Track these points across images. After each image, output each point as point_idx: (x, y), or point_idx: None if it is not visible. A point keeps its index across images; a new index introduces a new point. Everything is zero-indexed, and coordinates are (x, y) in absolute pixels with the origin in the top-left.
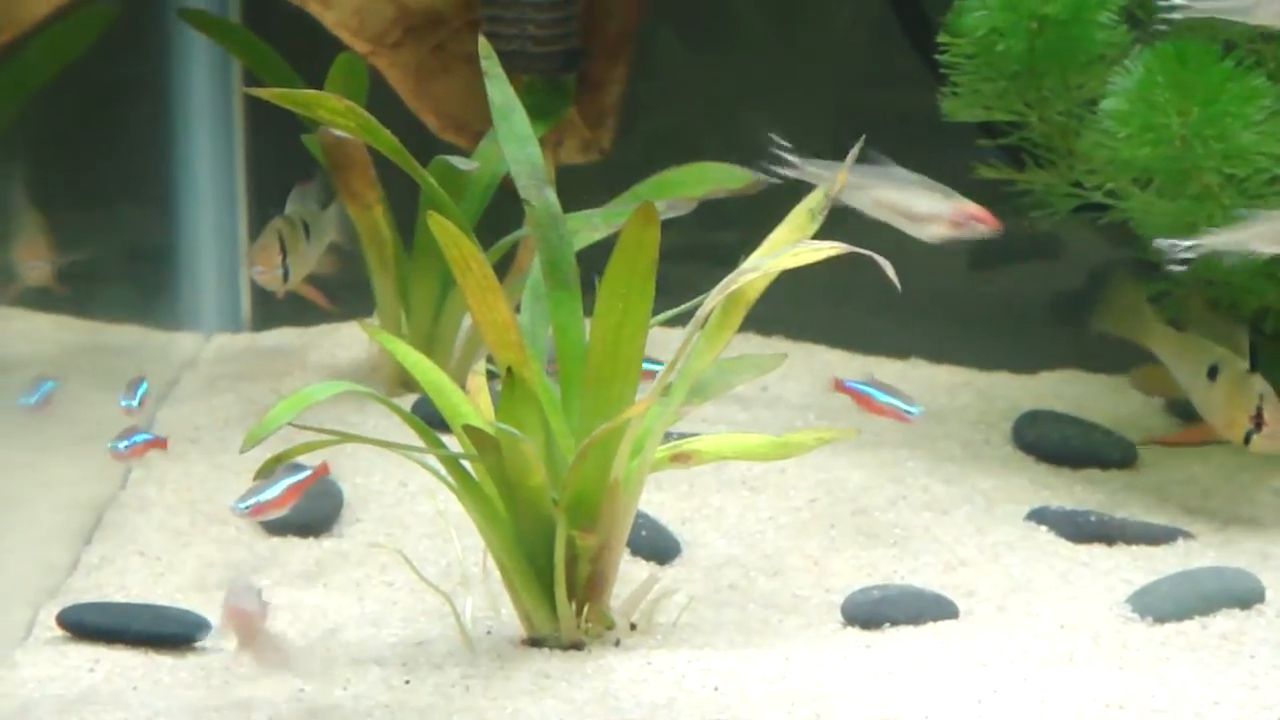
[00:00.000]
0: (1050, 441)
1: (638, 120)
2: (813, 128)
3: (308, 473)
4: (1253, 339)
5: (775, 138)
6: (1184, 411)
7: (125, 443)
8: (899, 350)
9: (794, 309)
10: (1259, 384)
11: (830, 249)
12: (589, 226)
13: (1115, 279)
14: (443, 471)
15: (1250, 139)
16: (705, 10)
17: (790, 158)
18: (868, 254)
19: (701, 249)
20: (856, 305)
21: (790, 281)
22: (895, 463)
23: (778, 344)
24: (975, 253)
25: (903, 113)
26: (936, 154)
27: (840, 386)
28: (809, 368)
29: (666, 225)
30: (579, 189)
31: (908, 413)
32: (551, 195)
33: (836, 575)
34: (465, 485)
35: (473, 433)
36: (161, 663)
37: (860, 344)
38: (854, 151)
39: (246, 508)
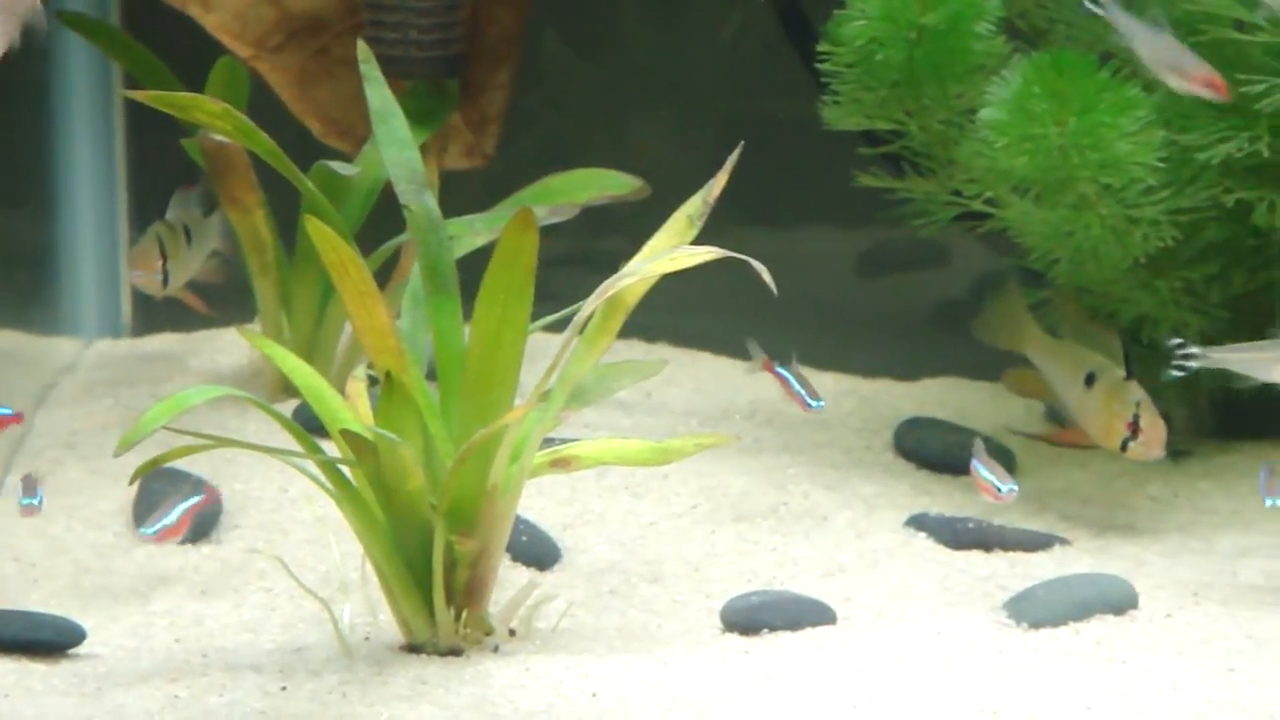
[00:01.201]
0: (931, 448)
1: (524, 126)
2: (698, 136)
3: (200, 497)
4: (1128, 347)
5: None
6: (1065, 418)
7: None
8: (784, 357)
9: (679, 316)
10: (1135, 392)
11: (707, 254)
12: (471, 232)
13: (994, 288)
14: (321, 477)
15: (1126, 149)
16: (593, 17)
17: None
18: (745, 259)
19: (588, 255)
20: (741, 313)
21: (676, 289)
22: (777, 469)
23: (662, 351)
24: (860, 261)
25: (788, 121)
26: (822, 162)
27: (768, 367)
28: (692, 375)
29: (553, 231)
30: (464, 194)
31: (809, 404)
32: (431, 200)
33: (717, 581)
34: (343, 491)
35: (350, 438)
36: (34, 670)
37: (745, 351)
38: (732, 157)
39: (154, 533)
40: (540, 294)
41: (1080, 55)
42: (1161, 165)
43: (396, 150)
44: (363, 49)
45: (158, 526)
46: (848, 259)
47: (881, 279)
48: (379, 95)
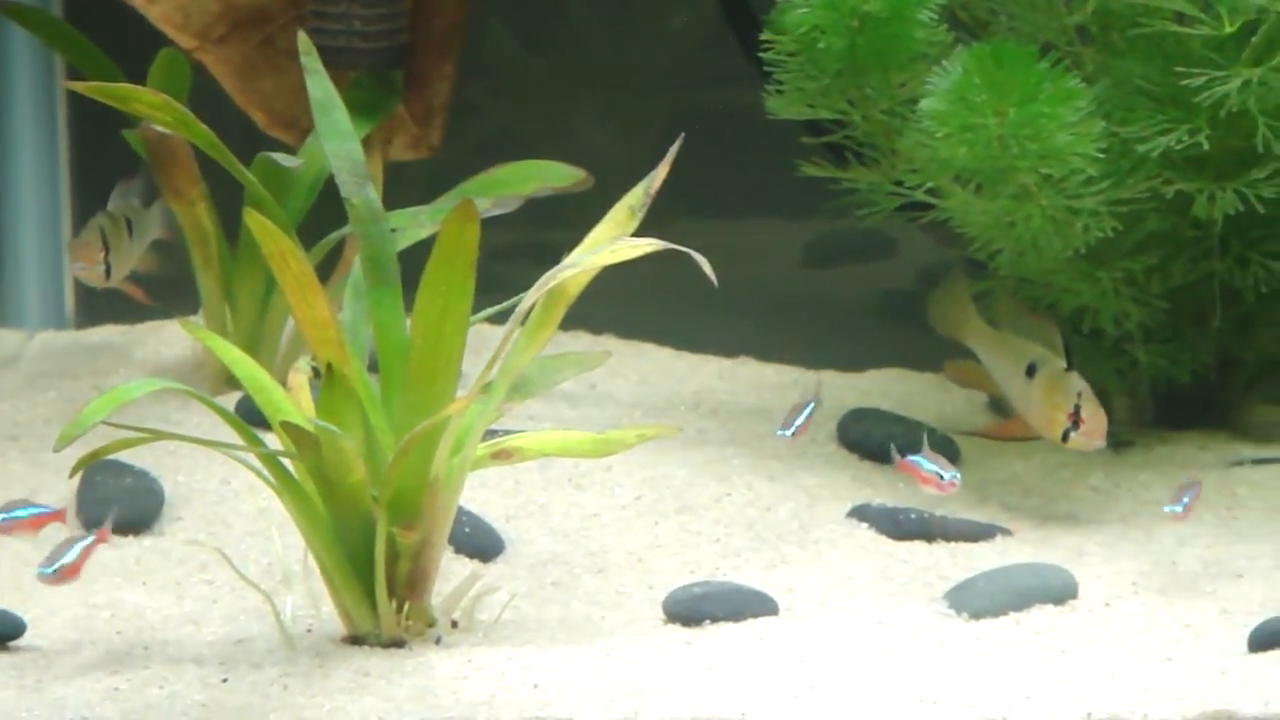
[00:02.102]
0: (874, 439)
1: (471, 118)
2: (644, 127)
3: (93, 538)
4: (1068, 338)
5: None
6: (1007, 409)
7: None
8: (728, 349)
9: (624, 308)
10: (1076, 382)
11: (649, 245)
12: (415, 224)
13: (942, 278)
14: (263, 470)
15: (1065, 140)
16: (539, 8)
17: None
18: (686, 251)
19: (535, 246)
20: (687, 304)
21: (621, 280)
22: (721, 460)
23: (608, 342)
24: (807, 251)
25: (735, 111)
26: (768, 153)
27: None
28: (637, 367)
29: (499, 223)
30: (410, 186)
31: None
32: (372, 192)
33: (660, 572)
34: (284, 483)
35: (291, 430)
36: None
37: (690, 343)
38: (674, 148)
39: (52, 572)
40: (486, 285)
41: (1020, 46)
42: (1101, 156)
43: (338, 142)
44: (304, 41)
45: (56, 566)
46: (794, 250)
47: (827, 270)
48: (320, 87)
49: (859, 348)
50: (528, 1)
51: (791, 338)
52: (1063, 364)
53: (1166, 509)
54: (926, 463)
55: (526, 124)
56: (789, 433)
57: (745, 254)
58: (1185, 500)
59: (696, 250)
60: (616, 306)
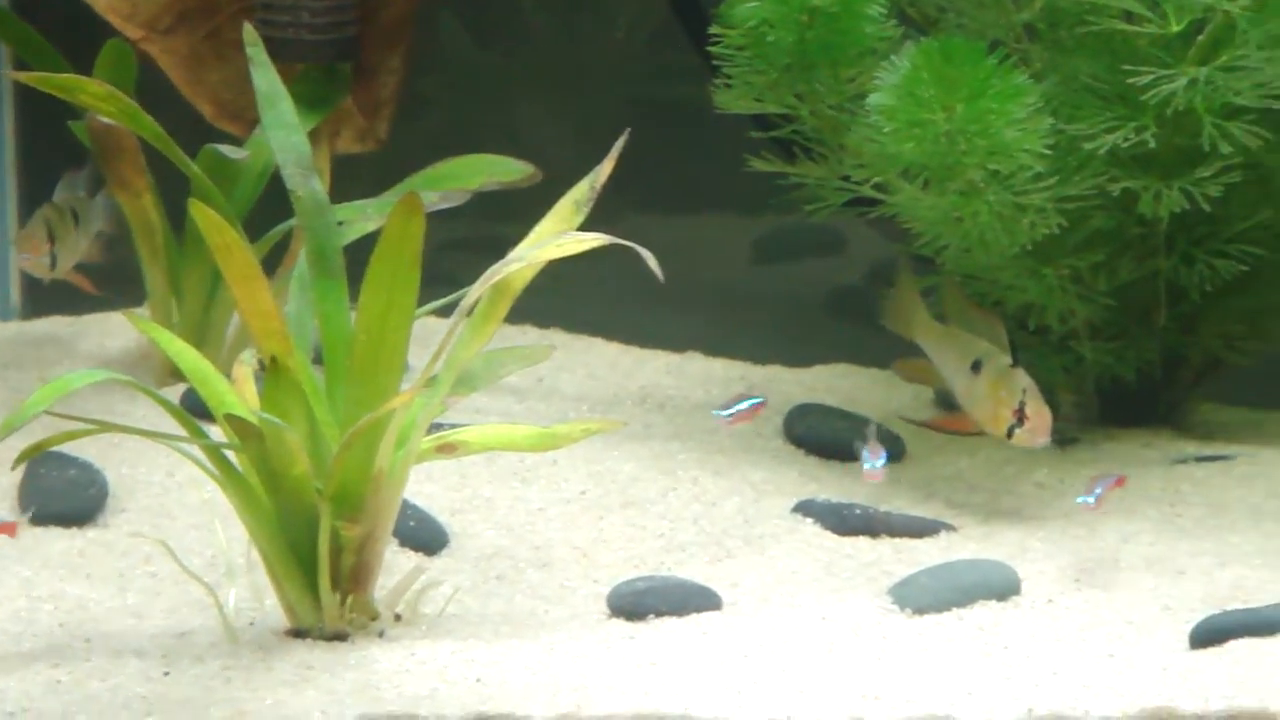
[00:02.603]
0: (820, 434)
1: (420, 111)
2: (594, 121)
3: None
4: (1013, 334)
5: None
6: (953, 404)
7: None
8: (675, 344)
9: (572, 302)
10: (1021, 379)
11: (593, 240)
12: (362, 217)
13: (896, 275)
14: (207, 462)
15: (1013, 135)
16: (490, 2)
17: None
18: (631, 246)
19: (485, 239)
20: (635, 299)
21: (570, 275)
22: (667, 455)
23: (555, 337)
24: (756, 246)
25: (686, 106)
26: (719, 147)
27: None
28: (585, 361)
29: (449, 216)
30: (359, 179)
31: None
32: (318, 184)
33: (604, 567)
34: (228, 476)
35: (235, 422)
36: None
37: (638, 337)
38: (618, 143)
39: None
40: (436, 278)
41: (969, 42)
42: (1049, 153)
43: (284, 134)
44: (249, 33)
45: None
46: (743, 245)
47: (777, 265)
48: (266, 79)
49: (806, 343)
50: None
51: (739, 333)
52: (1008, 360)
53: (1079, 499)
54: (866, 455)
55: (478, 118)
56: (726, 414)
57: (695, 249)
58: (1098, 491)
59: (647, 245)
60: (564, 301)
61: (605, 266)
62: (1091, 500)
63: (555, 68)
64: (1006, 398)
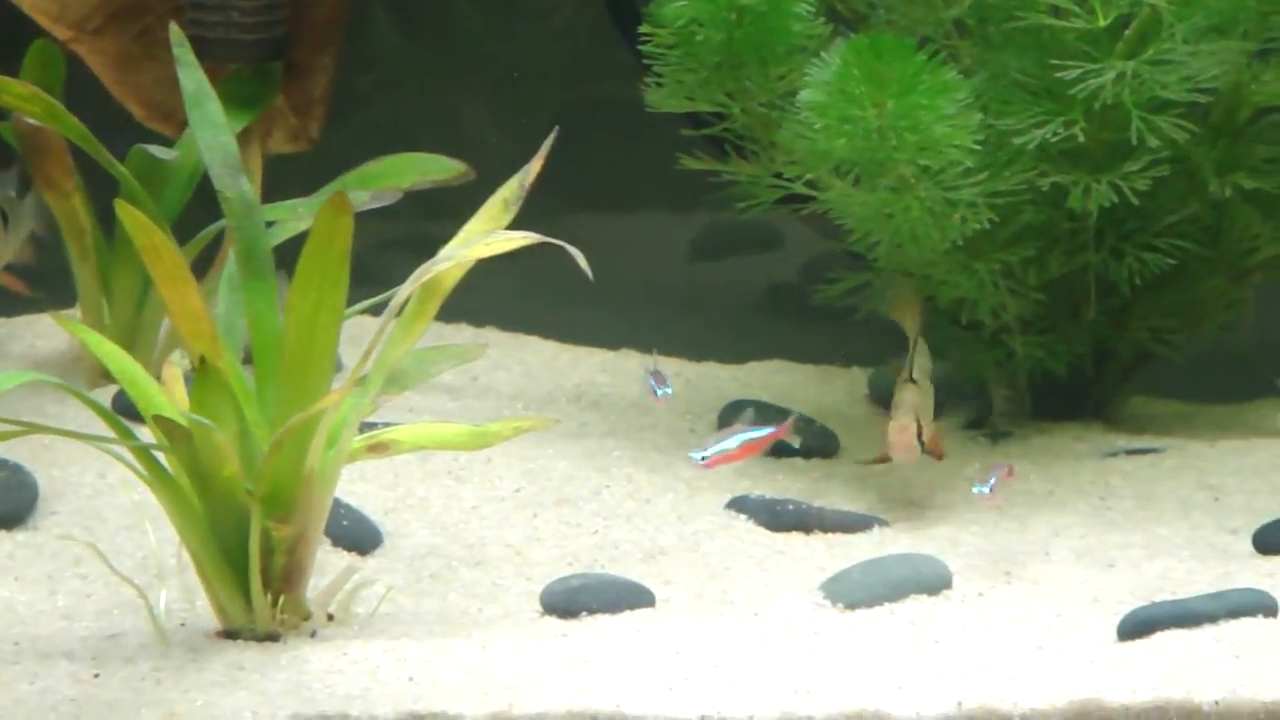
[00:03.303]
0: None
1: (356, 110)
2: (530, 119)
3: None
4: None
5: None
6: (884, 401)
7: None
8: (610, 341)
9: (509, 300)
10: (906, 393)
11: (522, 239)
12: (294, 216)
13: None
14: (137, 464)
15: (943, 131)
16: (426, 2)
17: None
18: (560, 244)
19: (422, 239)
20: (571, 296)
21: (505, 273)
22: (601, 452)
23: (490, 335)
24: (693, 244)
25: (625, 102)
26: (655, 145)
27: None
28: (520, 359)
29: (385, 215)
30: (294, 178)
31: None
32: (246, 184)
33: (538, 565)
34: (158, 477)
35: (163, 423)
36: None
37: (573, 335)
38: (547, 142)
39: None
40: (371, 278)
41: (899, 39)
42: (979, 148)
43: (211, 134)
44: (176, 32)
45: None
46: (680, 242)
47: (714, 262)
48: (193, 79)
49: (742, 340)
50: None
51: (675, 330)
52: (906, 373)
53: (975, 490)
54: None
55: (414, 116)
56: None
57: (634, 246)
58: (991, 482)
59: (584, 243)
60: (500, 299)
61: (541, 264)
62: (986, 491)
63: (490, 66)
64: (892, 412)
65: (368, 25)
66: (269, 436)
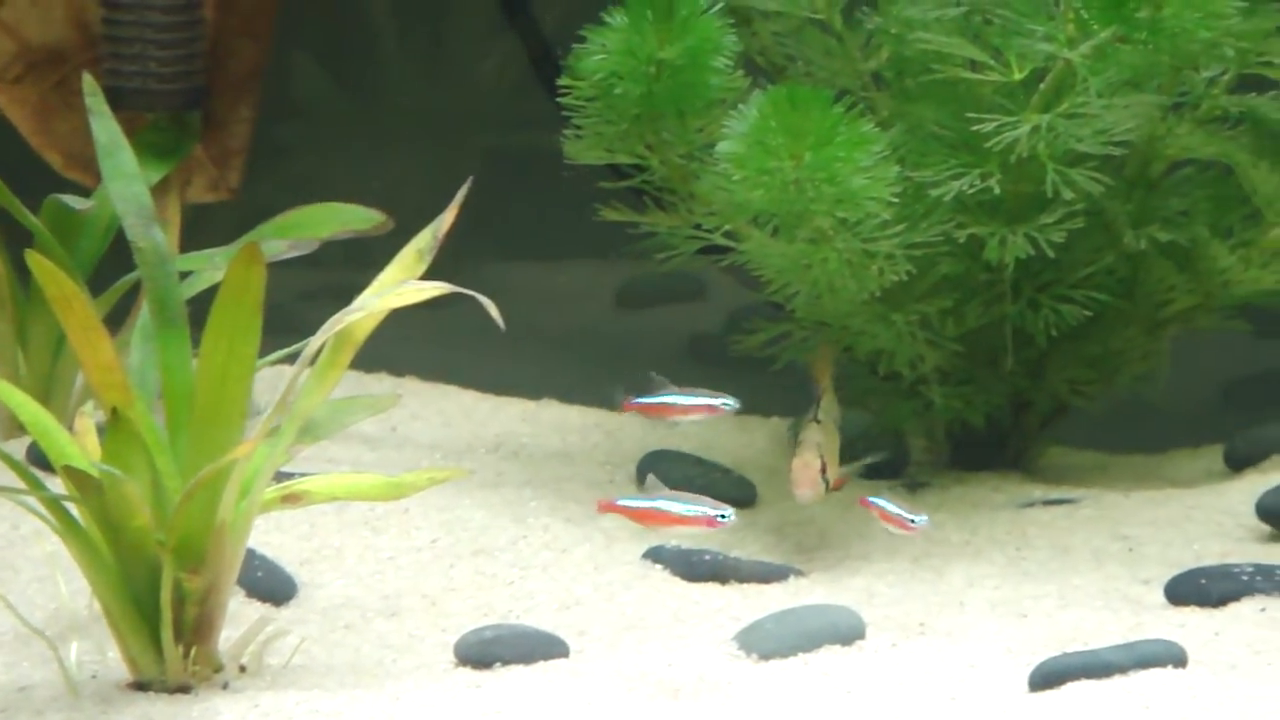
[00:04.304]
0: (672, 481)
1: (279, 159)
2: (457, 169)
3: None
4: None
5: None
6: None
7: None
8: (532, 391)
9: (427, 349)
10: (809, 432)
11: (434, 289)
12: (211, 266)
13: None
14: (48, 515)
15: (861, 183)
16: (349, 50)
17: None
18: (472, 295)
19: (345, 289)
20: (491, 345)
21: (424, 321)
22: (519, 502)
23: (410, 384)
24: (617, 294)
25: (553, 153)
26: (581, 196)
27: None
28: (439, 408)
29: (307, 264)
30: (218, 228)
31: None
32: (159, 234)
33: (453, 615)
34: (69, 528)
35: (73, 474)
36: None
37: (493, 384)
38: (462, 191)
39: None
40: (291, 328)
41: (815, 90)
42: (896, 200)
43: (123, 185)
44: (89, 82)
45: None
46: (608, 291)
47: (638, 311)
48: (105, 130)
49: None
50: (338, 42)
51: (597, 379)
52: (811, 414)
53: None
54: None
55: (338, 166)
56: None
57: (559, 296)
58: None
59: (509, 292)
60: (421, 348)
61: (461, 313)
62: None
63: (418, 115)
64: (796, 451)
65: (290, 75)
66: (181, 487)
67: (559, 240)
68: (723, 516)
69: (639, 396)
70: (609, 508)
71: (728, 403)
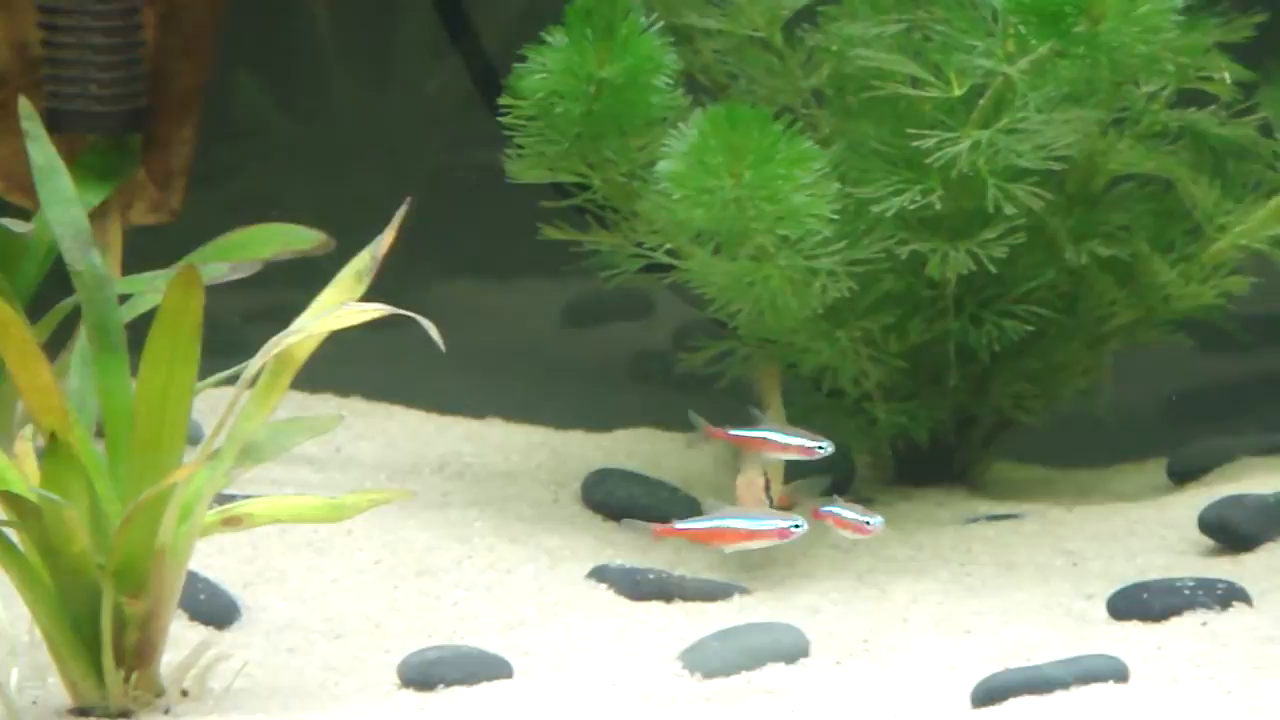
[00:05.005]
0: (617, 499)
1: (224, 180)
2: (397, 189)
3: None
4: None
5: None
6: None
7: None
8: (477, 410)
9: (372, 369)
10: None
11: (374, 311)
12: (151, 289)
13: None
14: None
15: (801, 201)
16: (294, 73)
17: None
18: (412, 316)
19: (289, 310)
20: (435, 365)
21: (369, 341)
22: (464, 523)
23: (354, 405)
24: (563, 312)
25: (492, 171)
26: (526, 214)
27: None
28: (384, 429)
29: (251, 286)
30: (161, 250)
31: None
32: (97, 258)
33: (397, 636)
34: (8, 554)
35: (12, 499)
36: None
37: (439, 404)
38: (400, 212)
39: None
40: (235, 349)
41: (755, 109)
42: (837, 217)
43: (61, 209)
44: (25, 105)
45: None
46: (554, 310)
47: (584, 330)
48: (42, 153)
49: (609, 408)
50: (283, 64)
51: (543, 398)
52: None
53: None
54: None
55: (283, 186)
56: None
57: (505, 314)
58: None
59: (454, 312)
60: (365, 368)
61: (406, 333)
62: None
63: (363, 135)
64: (740, 468)
65: (235, 96)
66: (121, 511)
67: (504, 259)
68: (796, 526)
69: (737, 429)
70: (667, 532)
71: (822, 445)
